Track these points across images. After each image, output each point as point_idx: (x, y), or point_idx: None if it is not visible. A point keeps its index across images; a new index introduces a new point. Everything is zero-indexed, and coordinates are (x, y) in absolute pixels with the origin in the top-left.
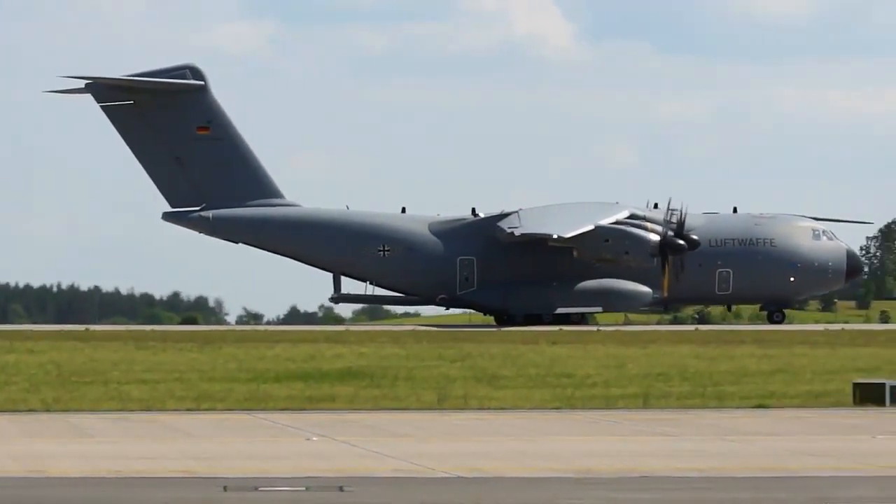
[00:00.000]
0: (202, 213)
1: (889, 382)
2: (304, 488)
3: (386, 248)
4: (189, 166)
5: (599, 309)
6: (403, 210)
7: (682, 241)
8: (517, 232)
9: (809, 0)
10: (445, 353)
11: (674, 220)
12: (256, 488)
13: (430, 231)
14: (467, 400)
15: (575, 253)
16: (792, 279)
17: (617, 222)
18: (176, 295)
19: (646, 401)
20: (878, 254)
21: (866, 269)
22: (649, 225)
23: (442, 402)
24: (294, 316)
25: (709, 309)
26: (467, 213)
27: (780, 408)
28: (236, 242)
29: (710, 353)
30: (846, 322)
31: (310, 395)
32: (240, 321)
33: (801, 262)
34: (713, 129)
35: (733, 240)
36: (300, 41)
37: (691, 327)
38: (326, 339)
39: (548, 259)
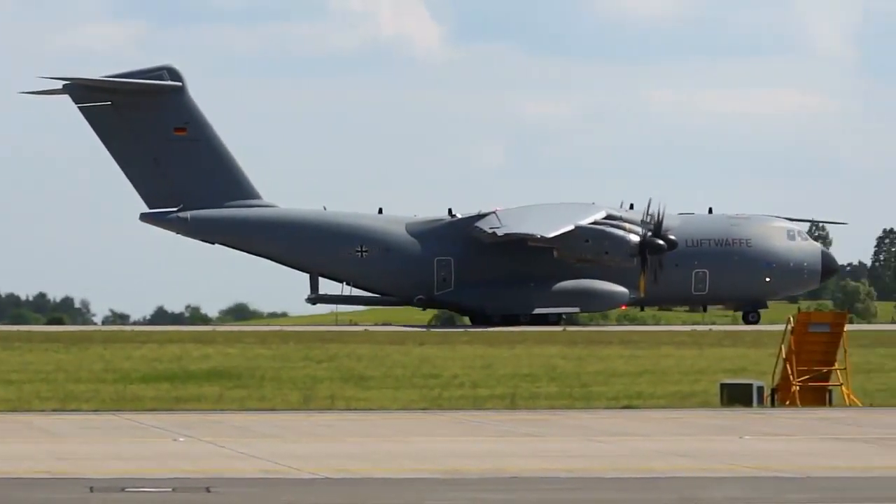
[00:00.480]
0: (180, 215)
1: (756, 383)
2: (170, 489)
3: (364, 249)
4: (166, 167)
5: (577, 309)
6: (380, 211)
7: (661, 242)
8: (500, 232)
9: (675, 1)
10: (312, 354)
11: (651, 220)
12: (123, 489)
13: (408, 232)
14: (334, 400)
15: (555, 253)
16: (768, 280)
17: (595, 223)
18: (42, 295)
19: (513, 401)
20: None
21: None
22: (627, 225)
23: (308, 403)
24: (161, 316)
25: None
26: (444, 214)
27: (648, 408)
28: (213, 243)
29: (578, 353)
30: (713, 323)
31: (176, 396)
32: (106, 321)
33: (776, 262)
34: (580, 130)
35: (710, 240)
36: (170, 41)
37: (559, 328)
38: (193, 339)
39: (526, 259)
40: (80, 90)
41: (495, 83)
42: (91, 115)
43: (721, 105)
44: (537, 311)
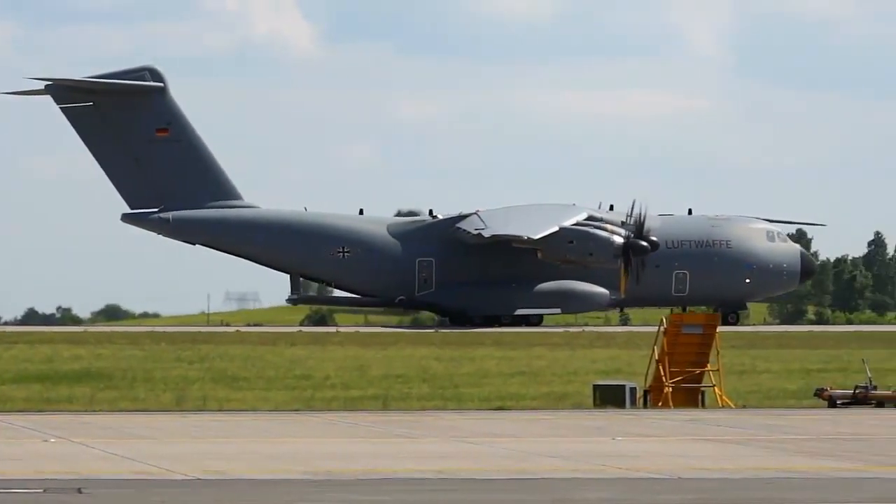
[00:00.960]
0: (161, 215)
1: (629, 384)
2: (41, 490)
3: (345, 250)
4: (148, 168)
5: (558, 310)
6: (361, 212)
7: (645, 243)
8: (486, 233)
9: (548, 1)
10: (184, 355)
11: (633, 221)
12: None
13: (389, 232)
14: (206, 401)
15: (539, 254)
16: (748, 280)
17: (577, 224)
18: None
19: (386, 403)
20: None
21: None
22: (609, 227)
23: (181, 404)
24: (31, 317)
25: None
26: (425, 215)
27: (521, 410)
28: (193, 244)
29: (451, 354)
30: (586, 325)
31: (47, 397)
32: None
33: (756, 263)
34: (454, 130)
35: (690, 241)
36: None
37: (432, 329)
38: (64, 340)
39: (508, 261)
40: (62, 91)
41: (367, 83)
42: (73, 116)
43: (593, 105)
44: (519, 311)
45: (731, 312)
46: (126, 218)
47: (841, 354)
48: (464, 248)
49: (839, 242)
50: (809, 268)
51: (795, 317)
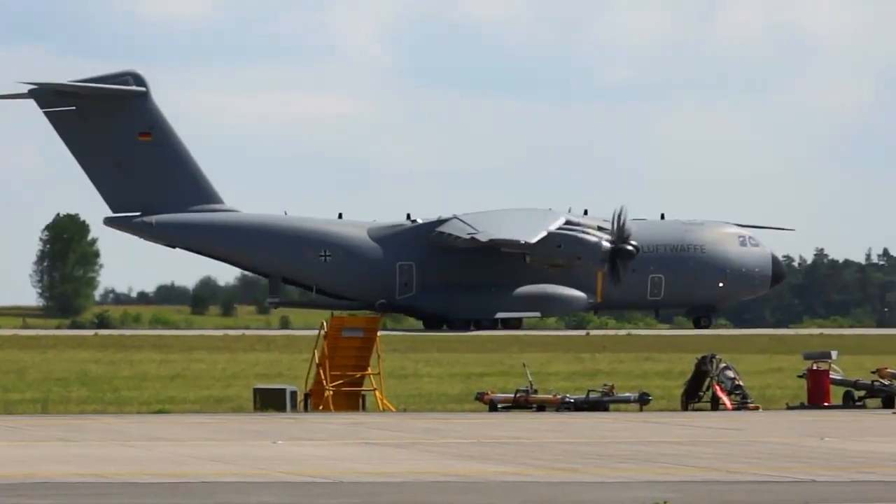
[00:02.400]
0: (145, 219)
1: (289, 388)
2: None
3: (327, 254)
4: (130, 172)
5: (538, 314)
6: (340, 216)
7: (630, 247)
8: (482, 238)
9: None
10: None
11: (615, 226)
12: None
13: (370, 236)
14: None
15: (528, 258)
16: (721, 284)
17: (559, 228)
18: None
19: (45, 406)
20: None
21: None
22: (591, 231)
23: None
24: None
25: (108, 312)
26: (402, 219)
27: (181, 413)
28: (174, 247)
29: (110, 357)
30: (247, 327)
31: None
32: None
33: (729, 268)
34: None
35: (665, 246)
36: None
37: (90, 332)
38: None
39: (487, 264)
40: (46, 95)
41: None
42: (56, 120)
43: (255, 108)
44: (499, 315)
45: (703, 316)
46: (108, 221)
47: (503, 358)
48: (444, 252)
49: None
50: (780, 272)
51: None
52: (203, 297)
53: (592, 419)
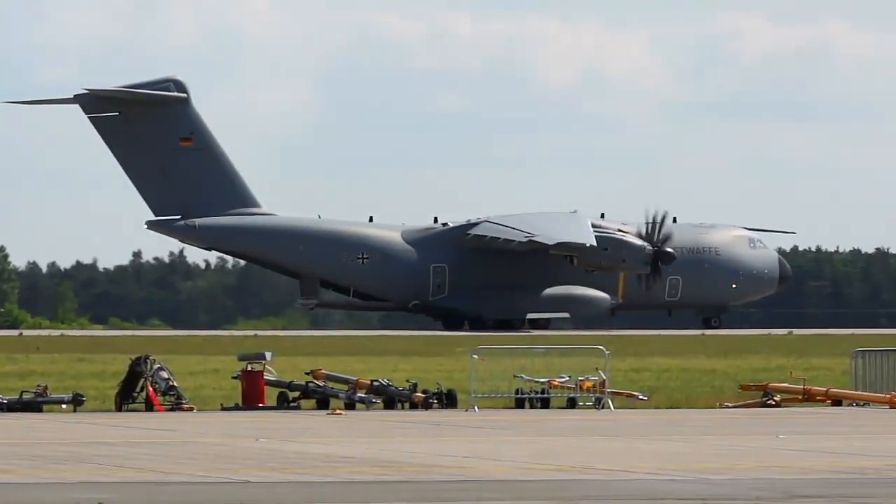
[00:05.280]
0: (187, 222)
1: None
2: None
3: (364, 256)
4: (172, 176)
5: (567, 315)
6: (371, 219)
7: (670, 250)
8: (549, 241)
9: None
10: None
11: (655, 230)
12: None
13: (403, 239)
14: None
15: (575, 261)
16: (734, 286)
17: (598, 232)
18: None
19: None
20: None
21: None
22: (630, 235)
23: None
24: None
25: None
26: (429, 223)
27: None
28: (210, 250)
29: None
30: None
31: None
32: None
33: (741, 269)
34: None
35: (682, 248)
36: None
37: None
38: None
39: (517, 266)
40: (90, 100)
41: None
42: (100, 125)
43: None
44: (530, 315)
45: (713, 316)
46: (151, 225)
47: None
48: (476, 254)
49: None
50: (786, 273)
51: None
52: None
53: (26, 420)
